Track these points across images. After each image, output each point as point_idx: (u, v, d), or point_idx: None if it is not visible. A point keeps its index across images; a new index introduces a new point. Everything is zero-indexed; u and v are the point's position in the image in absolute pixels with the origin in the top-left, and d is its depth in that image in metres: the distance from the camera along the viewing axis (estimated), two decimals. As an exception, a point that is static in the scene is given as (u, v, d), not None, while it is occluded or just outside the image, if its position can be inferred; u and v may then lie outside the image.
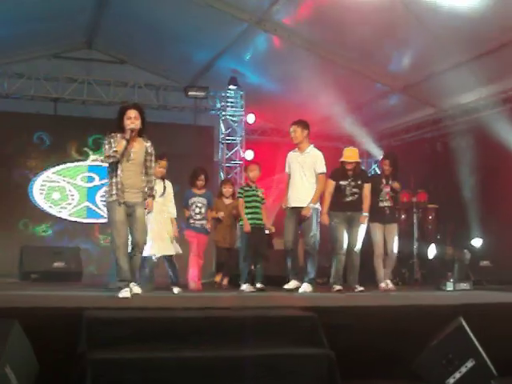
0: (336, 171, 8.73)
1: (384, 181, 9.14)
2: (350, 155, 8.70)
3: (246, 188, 8.93)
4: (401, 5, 9.53)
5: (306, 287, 8.07)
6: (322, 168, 8.33)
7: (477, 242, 11.37)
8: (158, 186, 7.83)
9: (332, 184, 8.62)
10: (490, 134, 11.03)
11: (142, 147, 6.78)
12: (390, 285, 8.94)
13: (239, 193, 8.94)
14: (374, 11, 9.80)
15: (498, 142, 10.87)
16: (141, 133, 6.80)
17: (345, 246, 8.57)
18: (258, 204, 8.81)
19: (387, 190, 9.07)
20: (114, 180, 6.66)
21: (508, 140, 10.88)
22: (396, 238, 9.09)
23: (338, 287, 8.40)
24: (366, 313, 5.63)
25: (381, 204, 9.04)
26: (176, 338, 4.53)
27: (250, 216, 8.72)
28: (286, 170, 8.56)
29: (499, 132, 10.96)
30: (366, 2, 9.68)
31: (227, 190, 9.45)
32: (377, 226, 8.98)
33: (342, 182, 8.64)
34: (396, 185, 9.13)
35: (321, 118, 13.28)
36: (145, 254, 7.38)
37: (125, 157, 6.64)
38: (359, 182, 8.67)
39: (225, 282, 9.39)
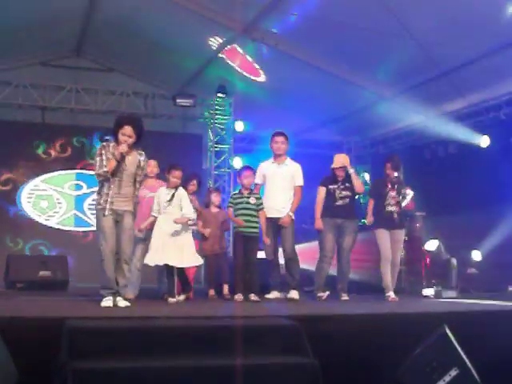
0: (326, 178, 8.68)
1: (389, 185, 8.86)
2: (340, 162, 8.70)
3: (236, 196, 8.40)
4: (387, 13, 9.54)
5: (293, 294, 8.03)
6: (301, 181, 8.38)
7: (477, 256, 11.25)
8: (168, 195, 7.62)
9: (323, 190, 8.59)
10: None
11: (134, 160, 6.74)
12: (393, 296, 8.61)
13: (229, 202, 8.64)
14: (362, 19, 9.83)
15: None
16: (135, 145, 6.77)
17: (330, 254, 8.53)
18: (250, 212, 8.24)
19: (393, 194, 8.80)
20: (104, 189, 6.63)
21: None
22: (402, 246, 9.01)
23: (320, 294, 8.38)
24: (350, 321, 5.61)
25: (388, 208, 8.76)
26: (159, 348, 4.49)
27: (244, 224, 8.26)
28: (258, 180, 8.46)
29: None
30: (353, 9, 9.71)
31: (215, 199, 9.24)
32: (383, 231, 8.70)
33: (331, 186, 8.60)
34: (408, 191, 8.96)
35: (309, 126, 13.33)
36: (150, 263, 7.43)
37: (117, 171, 6.62)
38: (348, 185, 8.62)
39: (225, 290, 9.01)
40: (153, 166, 8.46)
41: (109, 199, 6.58)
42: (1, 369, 4.04)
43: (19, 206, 13.54)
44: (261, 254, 8.61)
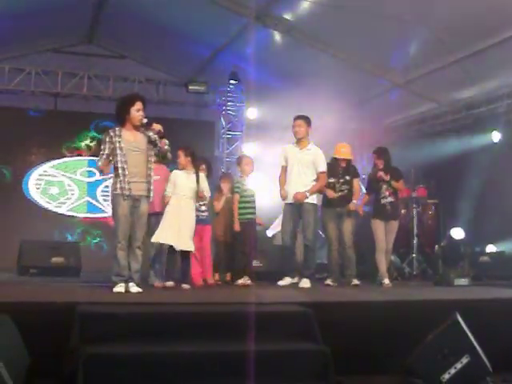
0: (327, 167, 8.54)
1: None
2: (343, 152, 8.76)
3: (243, 182, 8.76)
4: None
5: (304, 282, 8.01)
6: (324, 167, 8.26)
7: (457, 233, 11.12)
8: (191, 178, 7.74)
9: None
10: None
11: (143, 136, 6.80)
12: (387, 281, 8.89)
13: (237, 187, 8.77)
14: (375, 6, 9.75)
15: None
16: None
17: (336, 242, 8.71)
18: (250, 198, 8.68)
19: (385, 186, 9.05)
20: (120, 172, 6.63)
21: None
22: (394, 236, 9.13)
23: (328, 281, 8.52)
24: (361, 308, 5.62)
25: (382, 201, 9.04)
26: (169, 334, 4.53)
27: (243, 211, 8.61)
28: (283, 162, 8.38)
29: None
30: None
31: (225, 185, 9.29)
32: (378, 222, 9.00)
33: (331, 180, 8.66)
34: (396, 184, 9.10)
35: (321, 113, 13.22)
36: (163, 241, 7.49)
37: (129, 149, 6.66)
38: (347, 178, 8.76)
39: (228, 277, 9.20)
40: None
41: (126, 185, 6.59)
42: (13, 353, 4.07)
43: (26, 193, 13.58)
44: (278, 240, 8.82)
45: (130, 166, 6.62)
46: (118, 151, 6.61)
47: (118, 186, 6.61)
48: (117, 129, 6.73)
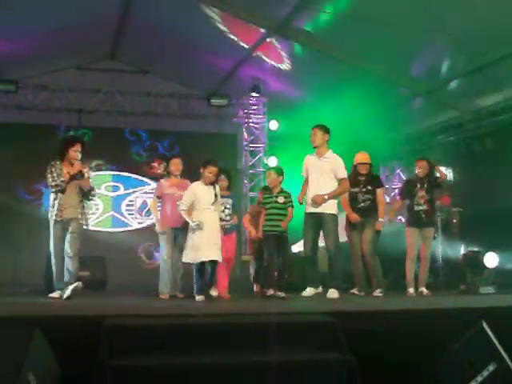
0: (349, 178, 8.57)
1: (419, 184, 9.06)
2: (360, 157, 8.83)
3: (266, 195, 8.72)
4: (422, 7, 9.47)
5: (332, 293, 7.93)
6: (343, 173, 8.21)
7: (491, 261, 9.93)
8: (209, 192, 7.81)
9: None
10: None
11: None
12: (426, 291, 8.87)
13: (260, 202, 8.90)
14: (395, 15, 9.77)
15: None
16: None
17: (359, 251, 8.73)
18: (278, 211, 8.48)
19: (422, 193, 8.98)
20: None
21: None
22: (431, 243, 9.13)
23: (354, 291, 8.66)
24: (387, 317, 5.60)
25: (416, 208, 8.98)
26: (197, 345, 4.54)
27: (267, 223, 8.49)
28: (303, 173, 8.40)
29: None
30: (386, 4, 9.65)
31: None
32: (412, 229, 8.96)
33: (353, 190, 8.68)
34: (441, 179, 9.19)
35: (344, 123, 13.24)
36: (188, 261, 7.65)
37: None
38: (370, 188, 8.72)
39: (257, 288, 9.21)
40: (178, 164, 8.51)
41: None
42: (45, 367, 4.13)
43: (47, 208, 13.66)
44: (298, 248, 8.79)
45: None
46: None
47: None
48: (58, 163, 7.81)
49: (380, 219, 8.73)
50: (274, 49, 12.33)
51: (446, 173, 9.38)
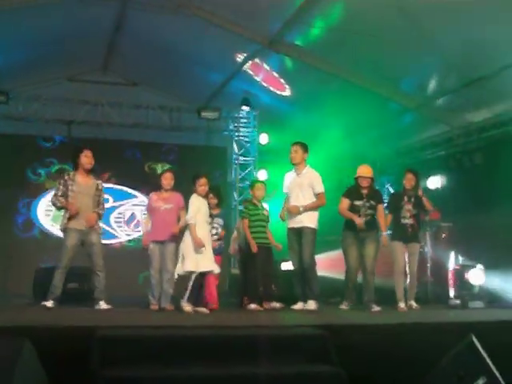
0: (350, 190, 8.75)
1: (406, 198, 9.02)
2: (365, 171, 8.76)
3: (251, 207, 8.78)
4: (412, 23, 9.55)
5: (309, 304, 8.03)
6: (320, 188, 8.33)
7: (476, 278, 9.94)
8: (206, 205, 7.89)
9: (346, 202, 8.69)
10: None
11: (93, 183, 8.22)
12: (415, 305, 8.87)
13: (243, 212, 8.92)
14: (385, 30, 9.84)
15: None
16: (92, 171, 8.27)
17: (355, 266, 8.66)
18: (262, 223, 8.69)
19: (408, 207, 8.95)
20: None
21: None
22: (417, 258, 9.09)
23: (342, 306, 8.57)
24: (376, 331, 5.61)
25: (402, 221, 8.92)
26: (187, 356, 4.53)
27: (254, 235, 8.58)
28: (285, 190, 8.59)
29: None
30: (376, 20, 9.72)
31: None
32: (398, 244, 8.88)
33: (357, 203, 8.66)
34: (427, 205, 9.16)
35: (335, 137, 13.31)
36: (191, 269, 7.54)
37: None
38: (373, 203, 8.68)
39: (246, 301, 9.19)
40: (168, 179, 8.52)
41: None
42: (32, 377, 4.10)
43: (35, 221, 13.70)
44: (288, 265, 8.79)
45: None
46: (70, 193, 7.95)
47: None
48: (71, 173, 8.15)
49: (383, 233, 8.75)
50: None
51: (431, 207, 9.29)
